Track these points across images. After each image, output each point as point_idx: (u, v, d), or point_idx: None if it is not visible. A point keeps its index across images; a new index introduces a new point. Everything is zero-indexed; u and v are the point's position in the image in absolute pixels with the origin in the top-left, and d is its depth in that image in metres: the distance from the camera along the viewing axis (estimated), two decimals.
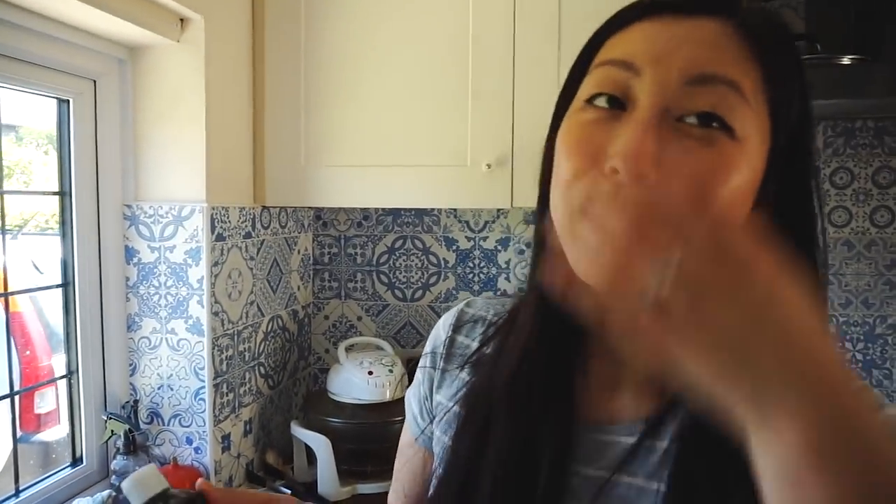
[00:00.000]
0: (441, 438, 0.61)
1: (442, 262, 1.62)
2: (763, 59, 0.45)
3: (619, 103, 0.46)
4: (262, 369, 1.41)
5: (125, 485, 0.53)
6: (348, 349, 1.46)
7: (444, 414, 0.61)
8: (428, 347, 0.66)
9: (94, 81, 1.16)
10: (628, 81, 0.45)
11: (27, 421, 2.18)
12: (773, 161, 0.46)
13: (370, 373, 1.35)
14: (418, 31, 1.29)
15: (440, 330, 0.66)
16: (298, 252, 1.58)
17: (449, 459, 0.58)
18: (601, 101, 0.46)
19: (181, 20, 1.17)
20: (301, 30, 1.32)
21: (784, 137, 0.46)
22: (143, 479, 0.53)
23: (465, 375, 0.61)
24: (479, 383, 0.59)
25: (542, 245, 0.53)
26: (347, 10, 1.31)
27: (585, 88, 0.48)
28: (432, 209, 1.61)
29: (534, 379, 0.54)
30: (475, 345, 0.62)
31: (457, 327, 0.65)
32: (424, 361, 0.66)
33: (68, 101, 1.12)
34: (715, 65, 0.44)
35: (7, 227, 1.08)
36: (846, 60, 1.06)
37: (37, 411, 2.13)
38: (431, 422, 0.64)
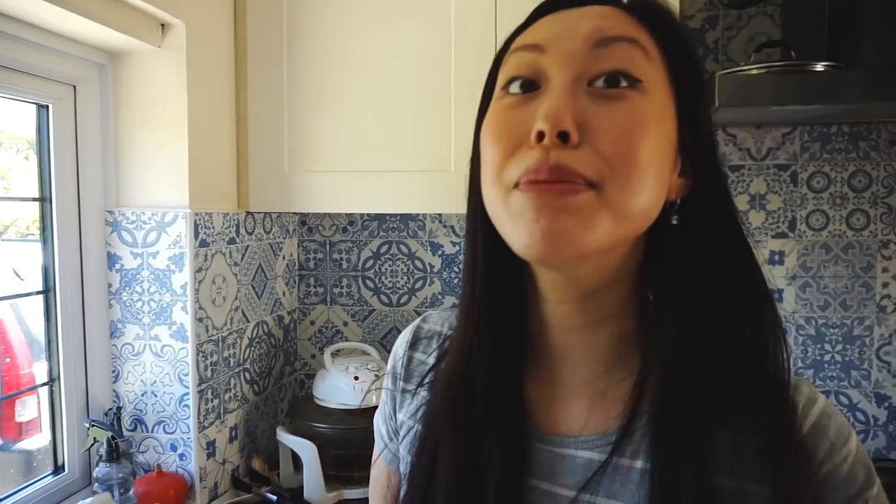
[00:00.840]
0: (406, 457, 0.61)
1: (427, 267, 1.63)
2: (651, 25, 0.49)
3: (533, 85, 0.49)
4: (247, 375, 1.40)
5: None
6: (334, 354, 1.46)
7: (407, 433, 0.61)
8: (388, 367, 0.67)
9: (74, 87, 1.15)
10: (538, 61, 0.48)
11: (8, 429, 2.15)
12: (681, 113, 0.49)
13: (356, 378, 1.35)
14: (401, 37, 1.30)
15: (398, 348, 0.66)
16: (283, 257, 1.58)
17: (409, 478, 0.58)
18: (515, 87, 0.49)
19: (162, 25, 1.17)
20: (283, 35, 1.33)
21: (684, 89, 0.49)
22: None
23: (424, 393, 0.61)
24: (432, 399, 0.59)
25: (474, 240, 0.55)
26: (330, 17, 1.31)
27: (500, 78, 0.51)
28: (417, 214, 1.61)
29: (474, 381, 0.54)
30: (431, 360, 0.62)
31: (413, 344, 0.65)
32: (386, 382, 0.66)
33: (48, 106, 1.12)
34: (614, 28, 0.48)
35: None
36: (820, 67, 1.08)
37: (18, 419, 2.11)
38: (397, 441, 0.64)
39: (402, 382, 0.64)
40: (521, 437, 0.53)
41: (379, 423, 0.67)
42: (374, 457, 0.69)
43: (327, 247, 1.66)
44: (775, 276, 1.49)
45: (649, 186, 0.46)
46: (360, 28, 1.31)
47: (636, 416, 0.49)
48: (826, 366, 1.49)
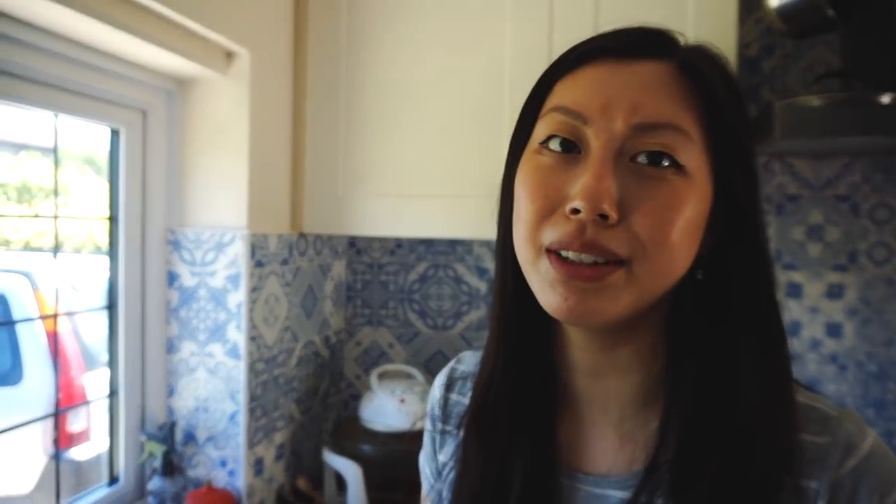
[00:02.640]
0: (448, 497, 0.62)
1: (474, 292, 1.63)
2: (704, 98, 0.48)
3: (572, 146, 0.49)
4: (294, 394, 1.42)
5: None
6: (380, 376, 1.47)
7: (448, 473, 0.62)
8: (427, 408, 0.69)
9: (144, 112, 1.20)
10: (580, 128, 0.49)
11: (62, 439, 2.22)
12: (719, 191, 0.50)
13: (402, 401, 1.36)
14: (455, 65, 1.32)
15: (435, 390, 0.68)
16: (332, 279, 1.61)
17: None
18: (555, 144, 0.50)
19: (227, 54, 1.22)
20: (342, 62, 1.36)
21: (733, 168, 0.49)
22: None
23: (462, 433, 0.62)
24: (465, 436, 0.60)
25: (504, 278, 0.56)
26: (387, 46, 1.35)
27: (540, 131, 0.51)
28: (465, 239, 1.62)
29: (497, 414, 0.56)
30: (466, 401, 0.63)
31: (448, 386, 0.67)
32: (426, 423, 0.68)
33: (118, 130, 1.17)
34: (658, 113, 0.47)
35: (48, 248, 1.12)
36: (886, 98, 1.06)
37: (69, 430, 2.18)
38: (441, 481, 0.65)
39: (440, 424, 0.65)
40: (548, 472, 0.55)
41: (423, 464, 0.69)
42: (422, 495, 0.70)
43: (375, 269, 1.68)
44: (833, 310, 1.44)
45: (677, 263, 0.48)
46: (416, 56, 1.34)
47: (660, 459, 0.50)
48: (890, 406, 1.43)
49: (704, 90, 0.48)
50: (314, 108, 1.38)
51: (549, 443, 0.56)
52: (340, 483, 1.37)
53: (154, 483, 1.13)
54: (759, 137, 1.18)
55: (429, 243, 1.65)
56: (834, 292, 1.45)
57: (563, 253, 0.47)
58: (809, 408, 0.50)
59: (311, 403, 1.51)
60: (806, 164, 1.44)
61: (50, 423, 2.06)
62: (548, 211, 0.48)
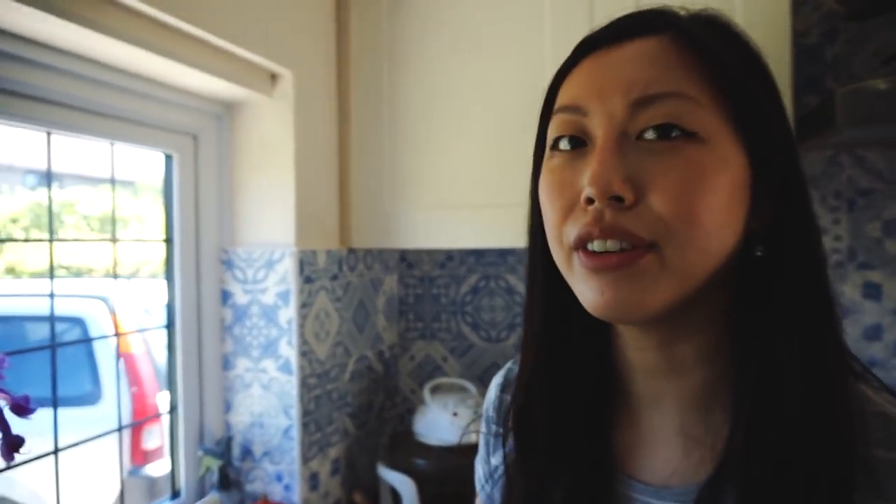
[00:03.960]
0: (498, 500, 0.61)
1: None
2: (705, 60, 0.45)
3: (579, 142, 0.48)
4: (348, 409, 1.43)
5: None
6: (434, 390, 1.46)
7: (500, 477, 0.60)
8: (483, 410, 0.67)
9: (195, 136, 1.25)
10: (581, 122, 0.47)
11: (136, 455, 2.31)
12: (754, 157, 0.46)
13: (455, 414, 1.34)
14: (497, 72, 1.31)
15: (490, 392, 0.66)
16: (384, 293, 1.61)
17: None
18: (564, 144, 0.48)
19: (272, 76, 1.25)
20: (384, 77, 1.38)
21: (755, 126, 0.46)
22: None
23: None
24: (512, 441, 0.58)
25: (536, 285, 0.54)
26: (428, 56, 1.35)
27: (550, 136, 0.50)
28: (516, 248, 1.59)
29: (537, 417, 0.53)
30: None
31: (504, 387, 0.64)
32: (481, 426, 0.66)
33: (171, 155, 1.22)
34: (655, 83, 0.45)
35: (122, 273, 1.17)
36: None
37: (144, 447, 2.27)
38: (492, 485, 0.63)
39: (494, 426, 0.63)
40: (603, 480, 0.52)
41: (477, 467, 0.67)
42: (477, 501, 0.68)
43: (426, 282, 1.68)
44: None
45: (714, 240, 0.44)
46: (458, 66, 1.33)
47: (726, 469, 0.46)
48: None
49: (706, 53, 0.46)
50: (358, 123, 1.40)
51: (605, 448, 0.53)
52: (396, 498, 1.36)
53: (210, 497, 1.15)
54: (822, 129, 1.10)
55: (479, 254, 1.63)
56: None
57: (590, 246, 0.45)
58: (884, 416, 0.45)
59: (366, 418, 1.51)
60: (878, 156, 1.34)
61: (127, 440, 2.15)
62: (568, 208, 0.47)
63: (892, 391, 0.49)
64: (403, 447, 1.39)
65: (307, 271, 1.27)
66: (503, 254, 1.61)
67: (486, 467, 0.64)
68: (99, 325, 2.35)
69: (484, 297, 1.63)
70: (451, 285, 1.66)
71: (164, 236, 1.23)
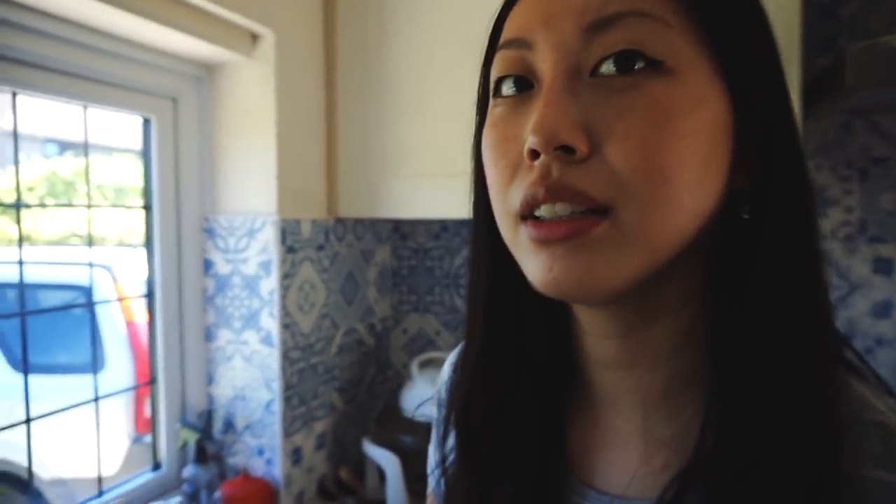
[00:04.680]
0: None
1: None
2: None
3: (525, 83, 0.39)
4: (336, 383, 1.40)
5: None
6: (423, 364, 1.42)
7: (449, 466, 0.53)
8: (436, 392, 0.59)
9: (174, 99, 1.20)
10: (526, 58, 0.39)
11: (139, 424, 2.32)
12: (739, 92, 0.38)
13: None
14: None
15: (444, 371, 0.59)
16: (375, 264, 1.57)
17: None
18: (508, 88, 0.40)
19: (252, 36, 1.20)
20: (372, 41, 1.32)
21: (738, 57, 0.38)
22: None
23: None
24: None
25: (480, 260, 0.47)
26: (419, 19, 1.29)
27: (491, 79, 0.42)
28: None
29: (480, 416, 0.46)
30: None
31: (458, 368, 0.56)
32: (432, 409, 0.59)
33: (150, 119, 1.17)
34: (611, 3, 0.36)
35: (127, 242, 1.14)
36: None
37: (146, 415, 2.27)
38: (442, 475, 0.56)
39: (445, 410, 0.56)
40: (554, 489, 0.45)
41: (430, 454, 0.60)
42: (427, 492, 0.62)
43: (420, 254, 1.63)
44: None
45: (687, 200, 0.36)
46: (450, 29, 1.27)
47: (691, 477, 0.38)
48: None
49: None
50: (346, 88, 1.34)
51: (559, 452, 0.46)
52: (382, 474, 1.34)
53: (188, 470, 1.13)
54: (832, 92, 1.03)
55: None
56: None
57: (537, 212, 0.37)
58: (884, 427, 0.36)
59: (355, 392, 1.48)
60: (895, 122, 1.26)
61: (131, 408, 2.15)
62: (513, 168, 0.39)
63: (893, 391, 0.41)
64: (390, 423, 1.36)
65: (290, 241, 1.23)
66: None
67: (439, 454, 0.57)
68: (103, 293, 2.35)
69: None
70: (446, 257, 1.61)
71: (142, 203, 1.20)
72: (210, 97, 1.24)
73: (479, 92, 0.47)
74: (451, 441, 0.54)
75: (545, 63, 0.38)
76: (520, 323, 0.47)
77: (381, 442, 1.32)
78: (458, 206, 1.33)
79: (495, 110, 0.41)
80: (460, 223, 1.59)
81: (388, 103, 1.32)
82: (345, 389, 1.44)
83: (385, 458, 1.28)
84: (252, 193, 1.22)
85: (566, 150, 0.36)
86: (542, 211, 0.37)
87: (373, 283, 1.56)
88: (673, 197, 0.36)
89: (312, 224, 1.30)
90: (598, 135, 0.36)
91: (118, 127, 1.14)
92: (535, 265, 0.38)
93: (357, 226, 1.47)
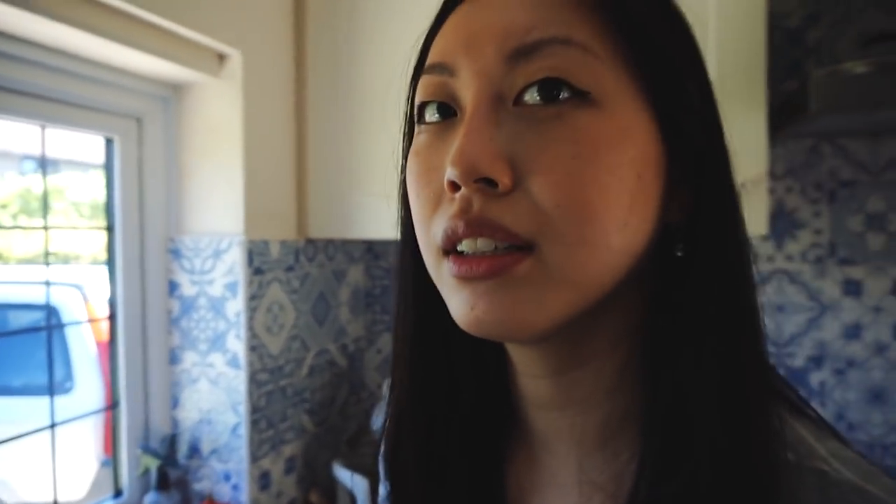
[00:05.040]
0: None
1: None
2: (600, 4, 0.36)
3: (448, 110, 0.38)
4: (306, 405, 1.38)
5: None
6: None
7: None
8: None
9: (139, 119, 1.18)
10: (449, 85, 0.37)
11: (108, 446, 2.27)
12: (668, 122, 0.36)
13: None
14: None
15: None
16: (348, 284, 1.55)
17: None
18: (430, 114, 0.39)
19: (219, 56, 1.18)
20: (342, 60, 1.31)
21: (666, 86, 0.36)
22: None
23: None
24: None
25: (406, 293, 0.45)
26: (390, 37, 1.28)
27: (416, 104, 0.41)
28: None
29: (409, 461, 0.45)
30: None
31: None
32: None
33: (112, 139, 1.15)
34: (536, 29, 0.35)
35: (101, 260, 1.11)
36: None
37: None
38: None
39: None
40: None
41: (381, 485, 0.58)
42: None
43: (394, 273, 1.62)
44: None
45: (614, 237, 0.35)
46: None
47: None
48: None
49: None
50: (316, 106, 1.33)
51: (494, 492, 0.44)
52: (354, 498, 1.31)
53: (149, 498, 1.10)
54: (797, 116, 1.04)
55: None
56: None
57: (459, 247, 0.36)
58: (855, 491, 0.33)
59: (326, 414, 1.46)
60: (861, 145, 1.27)
61: (100, 430, 2.11)
62: (436, 198, 0.37)
63: (838, 433, 0.39)
64: (362, 445, 1.34)
65: (257, 262, 1.21)
66: None
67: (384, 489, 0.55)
68: (72, 312, 2.31)
69: None
70: None
71: (105, 223, 1.17)
72: (176, 117, 1.22)
73: (405, 114, 0.45)
74: (383, 489, 0.52)
75: (467, 90, 0.36)
76: (449, 360, 0.45)
77: (353, 465, 1.30)
78: None
79: (419, 137, 0.40)
80: None
81: (358, 122, 1.31)
82: (315, 412, 1.41)
83: (356, 483, 1.25)
84: (219, 214, 1.21)
85: (487, 183, 0.34)
86: (464, 246, 0.36)
87: (345, 304, 1.54)
88: (600, 234, 0.34)
89: (281, 245, 1.28)
90: (521, 167, 0.34)
91: (94, 143, 1.12)
92: (457, 302, 0.37)
93: (328, 246, 1.46)
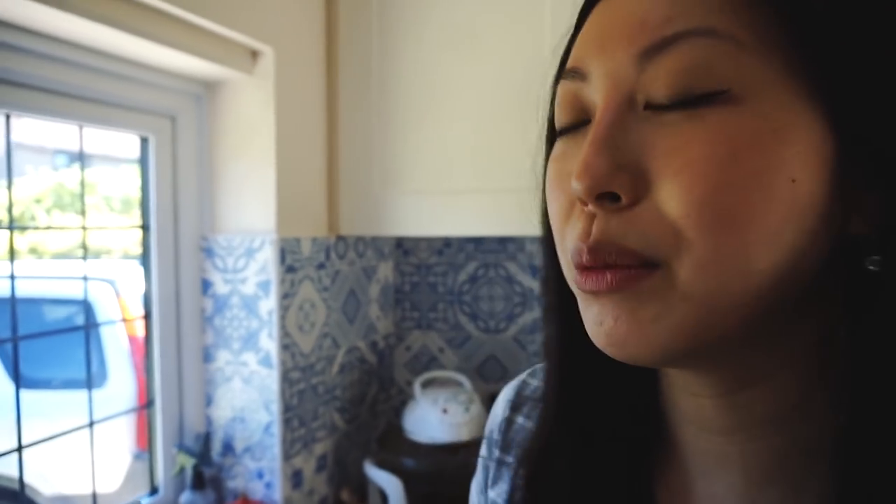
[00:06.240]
0: None
1: (528, 292, 1.52)
2: None
3: (582, 118, 0.35)
4: (337, 403, 1.38)
5: None
6: (426, 384, 1.40)
7: None
8: (486, 429, 0.54)
9: (173, 118, 1.19)
10: (582, 91, 0.35)
11: (142, 440, 2.31)
12: (845, 121, 0.30)
13: (444, 411, 1.28)
14: (493, 50, 1.22)
15: (497, 409, 0.53)
16: (378, 281, 1.55)
17: None
18: (567, 122, 0.36)
19: (252, 53, 1.18)
20: (373, 58, 1.30)
21: (839, 75, 0.30)
22: None
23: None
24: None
25: (551, 306, 0.42)
26: (419, 35, 1.27)
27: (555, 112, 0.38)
28: (516, 235, 1.52)
29: (560, 473, 0.41)
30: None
31: (516, 406, 0.51)
32: (482, 448, 0.53)
33: (148, 138, 1.16)
34: (672, 22, 0.31)
35: (133, 254, 1.12)
36: None
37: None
38: None
39: (497, 451, 0.51)
40: None
41: (472, 492, 0.55)
42: None
43: (423, 270, 1.61)
44: None
45: (759, 251, 0.30)
46: (452, 45, 1.25)
47: None
48: None
49: None
50: (347, 104, 1.32)
51: None
52: (385, 497, 1.31)
53: (185, 497, 1.11)
54: None
55: (478, 241, 1.56)
56: None
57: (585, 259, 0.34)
58: None
59: (357, 412, 1.46)
60: None
61: (133, 424, 2.14)
62: (568, 209, 0.35)
63: None
64: (392, 444, 1.34)
65: (289, 260, 1.21)
66: (503, 241, 1.53)
67: (483, 497, 0.52)
68: (105, 308, 2.34)
69: (483, 286, 1.56)
70: (449, 273, 1.59)
71: (140, 222, 1.18)
72: (209, 115, 1.22)
73: (547, 119, 0.42)
74: (500, 486, 0.50)
75: (597, 95, 0.34)
76: (598, 377, 0.41)
77: (383, 464, 1.29)
78: (462, 223, 1.32)
79: (557, 147, 0.38)
80: (464, 239, 1.57)
81: (390, 119, 1.30)
82: (346, 409, 1.41)
83: (387, 481, 1.25)
84: (251, 212, 1.21)
85: (611, 198, 0.31)
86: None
87: (375, 300, 1.54)
88: (739, 247, 0.30)
89: (313, 242, 1.28)
90: (648, 176, 0.31)
91: (127, 140, 1.13)
92: (588, 318, 0.34)
93: (358, 242, 1.45)
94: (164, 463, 1.20)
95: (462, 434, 1.26)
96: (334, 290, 1.36)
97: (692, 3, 0.31)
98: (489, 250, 1.55)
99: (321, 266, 1.31)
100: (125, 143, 1.15)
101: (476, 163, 1.25)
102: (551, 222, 0.37)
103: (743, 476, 0.36)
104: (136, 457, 1.98)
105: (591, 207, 0.32)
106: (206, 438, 1.18)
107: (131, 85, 1.09)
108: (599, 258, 0.32)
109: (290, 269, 1.21)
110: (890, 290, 0.30)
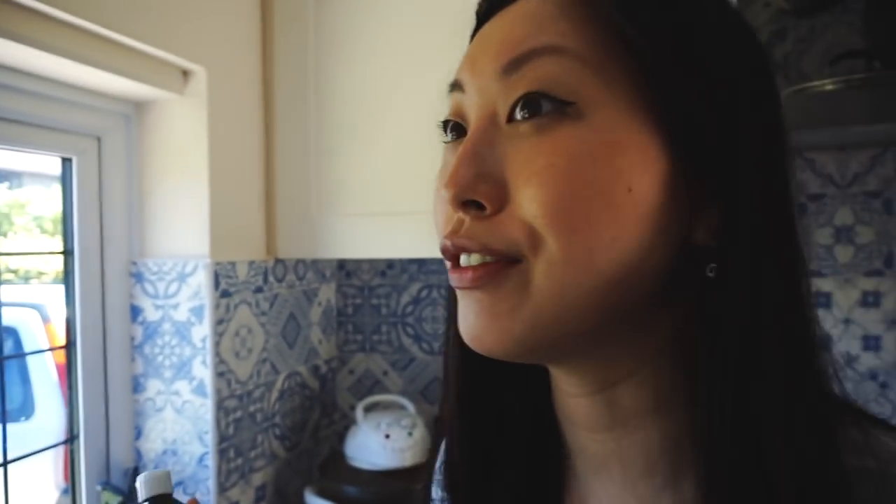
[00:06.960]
0: None
1: None
2: (604, 9, 0.34)
3: (461, 128, 0.39)
4: (276, 430, 1.33)
5: (138, 479, 0.52)
6: (369, 408, 1.37)
7: None
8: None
9: (99, 139, 1.14)
10: (462, 103, 0.38)
11: (66, 473, 2.19)
12: (676, 133, 0.33)
13: (387, 436, 1.25)
14: (431, 71, 1.23)
15: (441, 448, 0.53)
16: (319, 304, 1.52)
17: None
18: (448, 133, 0.41)
19: (183, 73, 1.15)
20: (310, 77, 1.28)
21: (675, 93, 0.33)
22: (153, 479, 0.52)
23: None
24: None
25: (449, 314, 0.45)
26: (357, 58, 1.26)
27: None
28: None
29: (459, 480, 0.44)
30: None
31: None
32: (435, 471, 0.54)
33: (71, 159, 1.11)
34: (525, 40, 0.34)
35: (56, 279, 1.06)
36: None
37: None
38: None
39: (441, 491, 0.51)
40: None
41: None
42: None
43: (366, 291, 1.59)
44: (869, 321, 1.28)
45: (601, 256, 0.33)
46: (389, 68, 1.24)
47: None
48: None
49: None
50: (284, 126, 1.30)
51: None
52: None
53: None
54: None
55: (421, 262, 1.55)
56: (869, 301, 1.29)
57: (461, 262, 0.37)
58: None
59: (298, 439, 1.42)
60: (829, 159, 1.29)
61: (61, 457, 2.02)
62: (449, 216, 0.38)
63: None
64: (334, 472, 1.30)
65: (224, 284, 1.17)
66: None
67: None
68: (32, 334, 2.22)
69: (426, 308, 1.55)
70: (392, 295, 1.57)
71: (62, 247, 1.12)
72: (139, 136, 1.18)
73: None
74: None
75: (471, 109, 0.37)
76: (492, 384, 0.44)
77: (324, 493, 1.26)
78: (402, 245, 1.30)
79: (445, 151, 0.42)
80: (407, 260, 1.56)
81: (328, 140, 1.28)
82: (286, 437, 1.37)
83: None
84: (183, 236, 1.16)
85: (477, 206, 0.35)
86: (461, 260, 0.36)
87: (316, 324, 1.50)
88: (584, 248, 0.33)
89: (249, 266, 1.24)
90: (508, 187, 0.34)
91: (47, 159, 1.07)
92: (459, 316, 0.37)
93: (299, 265, 1.42)
94: (88, 502, 1.13)
95: (405, 459, 1.23)
96: (273, 315, 1.32)
97: (547, 23, 0.34)
98: (432, 271, 1.54)
99: (259, 290, 1.27)
100: (56, 160, 1.10)
101: (416, 184, 1.24)
102: (435, 227, 0.41)
103: (624, 472, 0.39)
104: (65, 492, 1.87)
105: (460, 213, 0.35)
106: (135, 473, 1.12)
107: (53, 104, 1.04)
108: (462, 249, 0.35)
109: (224, 294, 1.17)
110: (723, 296, 0.34)
